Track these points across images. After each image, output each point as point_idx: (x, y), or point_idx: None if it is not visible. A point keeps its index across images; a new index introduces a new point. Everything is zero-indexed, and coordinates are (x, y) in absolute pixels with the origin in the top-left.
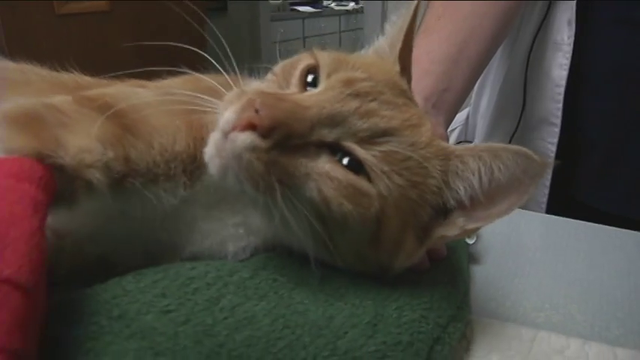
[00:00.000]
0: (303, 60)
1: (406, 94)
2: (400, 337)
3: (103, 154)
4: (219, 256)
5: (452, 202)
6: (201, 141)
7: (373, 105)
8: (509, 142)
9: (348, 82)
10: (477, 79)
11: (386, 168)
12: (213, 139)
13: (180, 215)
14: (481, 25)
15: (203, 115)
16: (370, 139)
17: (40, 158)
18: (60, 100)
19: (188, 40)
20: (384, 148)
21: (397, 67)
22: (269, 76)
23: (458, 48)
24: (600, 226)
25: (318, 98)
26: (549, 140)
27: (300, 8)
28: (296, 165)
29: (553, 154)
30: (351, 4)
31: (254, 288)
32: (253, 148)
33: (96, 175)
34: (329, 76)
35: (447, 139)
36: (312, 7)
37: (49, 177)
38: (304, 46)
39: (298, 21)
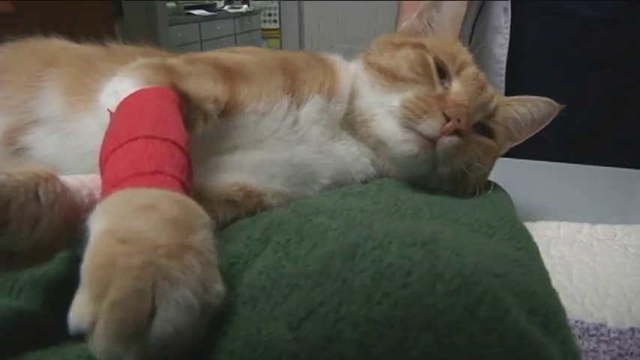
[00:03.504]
0: (422, 55)
1: None
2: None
3: (215, 87)
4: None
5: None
6: (294, 78)
7: (491, 90)
8: None
9: (476, 77)
10: None
11: (499, 128)
12: (412, 140)
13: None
14: None
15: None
16: (492, 114)
17: (173, 87)
18: (174, 60)
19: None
20: (497, 118)
21: (459, 45)
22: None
23: None
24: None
25: (469, 95)
26: None
27: (196, 12)
28: (469, 142)
29: None
30: (244, 7)
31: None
32: (458, 146)
33: (210, 106)
34: (458, 71)
35: None
36: (206, 10)
37: (180, 100)
38: (202, 49)
39: (194, 25)
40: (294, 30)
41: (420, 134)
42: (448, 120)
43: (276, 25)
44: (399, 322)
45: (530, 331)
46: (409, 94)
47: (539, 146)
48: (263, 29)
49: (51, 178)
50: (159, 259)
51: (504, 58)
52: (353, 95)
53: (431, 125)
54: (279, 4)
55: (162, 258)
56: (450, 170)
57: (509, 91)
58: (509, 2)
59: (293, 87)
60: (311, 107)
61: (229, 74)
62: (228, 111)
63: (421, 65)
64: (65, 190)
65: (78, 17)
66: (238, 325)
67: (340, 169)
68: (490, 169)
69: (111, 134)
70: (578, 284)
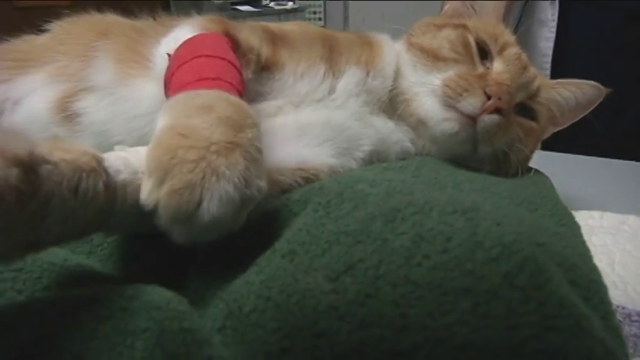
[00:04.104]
0: (463, 35)
1: None
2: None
3: (260, 45)
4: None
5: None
6: (332, 50)
7: (533, 71)
8: None
9: (518, 57)
10: None
11: (542, 109)
12: (453, 118)
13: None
14: None
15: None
16: (535, 94)
17: (226, 34)
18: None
19: None
20: (540, 99)
21: (502, 26)
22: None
23: None
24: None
25: (510, 75)
26: None
27: (241, 8)
28: (510, 122)
29: None
30: (290, 4)
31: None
32: (499, 124)
33: (253, 57)
34: (500, 51)
35: None
36: (252, 6)
37: (232, 45)
38: None
39: (240, 20)
40: (338, 29)
41: (461, 112)
42: (489, 98)
43: (321, 23)
44: (438, 285)
45: (571, 301)
46: (450, 73)
47: (586, 141)
48: None
49: (93, 173)
50: (210, 155)
51: (550, 52)
52: (396, 74)
53: (471, 103)
54: (324, 2)
55: (213, 154)
56: (490, 150)
57: None
58: None
59: (330, 57)
60: (349, 79)
61: (274, 39)
62: (268, 67)
63: (462, 45)
64: (107, 185)
65: (128, 12)
66: (275, 274)
67: (380, 138)
68: (532, 152)
69: (175, 59)
70: (621, 272)
